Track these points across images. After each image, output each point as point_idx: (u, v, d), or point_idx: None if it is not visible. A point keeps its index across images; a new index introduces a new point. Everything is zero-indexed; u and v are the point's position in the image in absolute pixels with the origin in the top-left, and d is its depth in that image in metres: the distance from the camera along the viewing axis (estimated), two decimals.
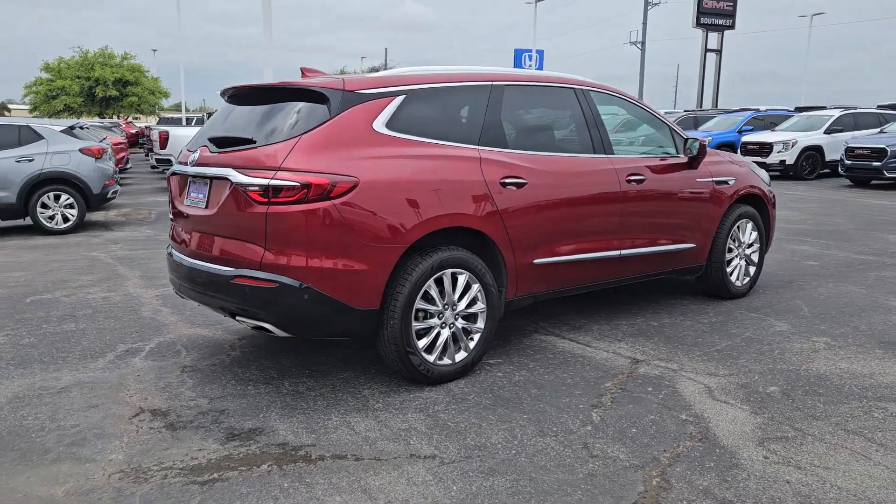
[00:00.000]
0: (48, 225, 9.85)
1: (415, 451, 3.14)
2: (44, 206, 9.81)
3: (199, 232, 3.93)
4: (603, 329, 4.93)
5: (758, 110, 22.71)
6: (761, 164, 18.21)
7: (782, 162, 17.68)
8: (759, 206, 5.92)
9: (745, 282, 5.82)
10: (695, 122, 23.55)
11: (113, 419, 3.53)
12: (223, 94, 4.34)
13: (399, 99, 3.89)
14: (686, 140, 5.27)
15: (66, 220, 9.96)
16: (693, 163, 5.24)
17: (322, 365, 4.28)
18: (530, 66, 44.21)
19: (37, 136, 9.83)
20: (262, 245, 3.52)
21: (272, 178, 3.46)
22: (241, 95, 4.18)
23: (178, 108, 43.06)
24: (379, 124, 3.77)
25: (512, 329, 4.97)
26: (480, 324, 4.07)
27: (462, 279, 3.94)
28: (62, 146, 9.88)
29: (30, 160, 9.65)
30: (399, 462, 3.05)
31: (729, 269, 5.66)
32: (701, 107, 37.82)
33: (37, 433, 3.37)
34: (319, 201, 3.47)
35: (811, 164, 17.83)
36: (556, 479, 2.89)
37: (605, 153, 4.74)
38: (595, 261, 4.65)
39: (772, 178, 18.10)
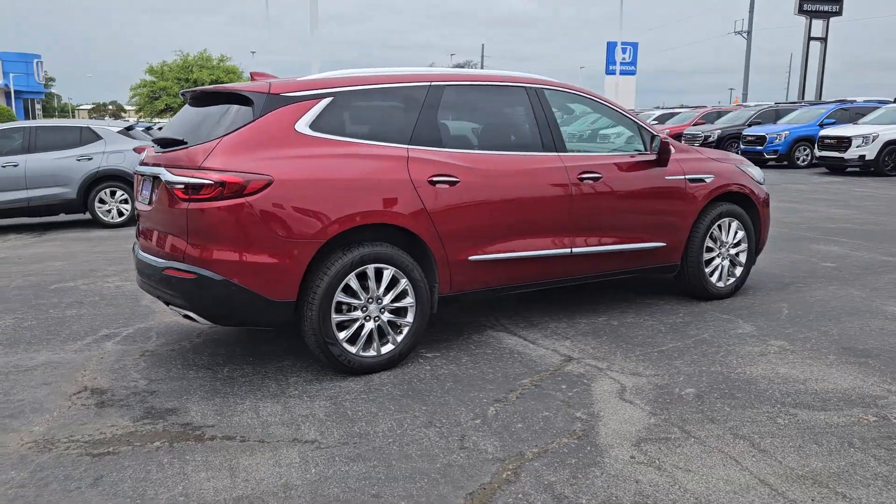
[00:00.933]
0: (104, 219, 10.65)
1: (299, 436, 3.32)
2: (101, 201, 10.61)
3: (146, 227, 4.25)
4: (559, 327, 4.94)
5: (849, 101, 21.46)
6: (837, 161, 17.27)
7: (861, 157, 16.67)
8: (746, 205, 5.73)
9: (728, 283, 5.65)
10: (776, 115, 22.55)
11: (56, 396, 3.89)
12: (183, 96, 4.65)
13: (326, 101, 4.07)
14: (653, 137, 5.19)
15: (120, 214, 10.74)
16: (661, 160, 5.15)
17: (268, 354, 4.52)
18: (624, 58, 43.44)
19: (96, 137, 10.65)
20: (186, 239, 3.79)
21: (191, 177, 3.72)
22: (194, 98, 4.46)
23: None
24: (302, 125, 3.96)
25: (468, 324, 5.06)
26: (409, 318, 4.20)
27: (387, 274, 4.08)
28: (118, 146, 10.65)
29: (89, 159, 10.46)
30: (279, 445, 3.23)
31: (709, 270, 5.52)
32: (803, 98, 36.07)
33: None
34: (234, 198, 3.70)
35: (894, 160, 16.73)
36: (412, 468, 2.99)
37: (557, 151, 4.74)
38: (543, 258, 4.67)
39: (850, 174, 17.23)
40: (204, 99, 4.35)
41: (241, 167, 3.74)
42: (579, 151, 4.96)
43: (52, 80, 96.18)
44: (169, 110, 42.09)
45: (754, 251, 5.79)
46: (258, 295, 3.79)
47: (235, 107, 3.98)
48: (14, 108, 68.67)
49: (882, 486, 2.77)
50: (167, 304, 4.06)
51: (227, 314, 3.87)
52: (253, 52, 72.85)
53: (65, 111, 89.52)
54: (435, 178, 4.20)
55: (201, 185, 3.70)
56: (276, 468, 3.02)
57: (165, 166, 3.90)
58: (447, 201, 4.24)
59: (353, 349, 4.03)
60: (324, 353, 3.96)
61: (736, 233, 5.61)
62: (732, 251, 5.64)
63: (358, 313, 4.04)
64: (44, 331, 5.14)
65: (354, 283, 3.99)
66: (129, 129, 11.27)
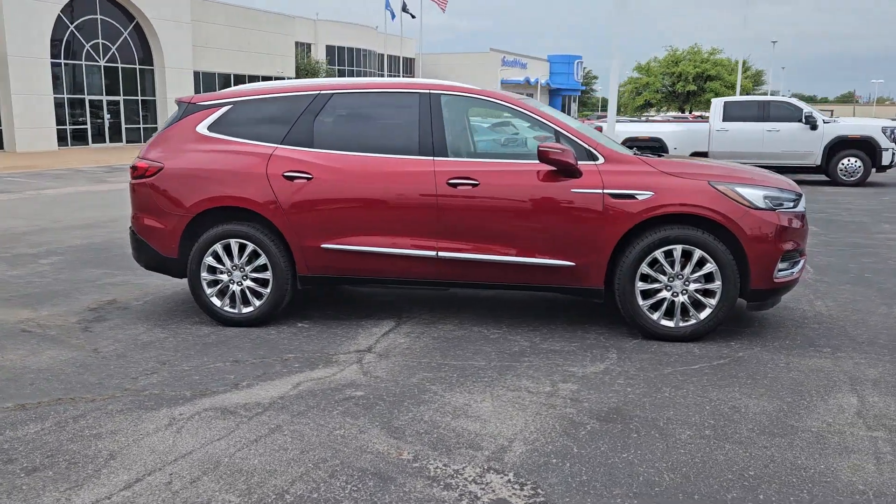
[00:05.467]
0: None
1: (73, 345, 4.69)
2: None
3: None
4: (462, 326, 5.05)
5: None
6: None
7: None
8: (721, 233, 4.62)
9: (684, 324, 4.70)
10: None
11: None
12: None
13: (225, 108, 5.19)
14: (576, 144, 4.73)
15: None
16: (566, 170, 4.67)
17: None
18: None
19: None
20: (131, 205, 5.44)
21: (134, 162, 5.34)
22: (176, 101, 5.97)
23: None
24: (202, 127, 5.18)
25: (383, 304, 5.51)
26: (268, 288, 5.08)
27: (249, 248, 5.05)
28: (527, 135, 12.96)
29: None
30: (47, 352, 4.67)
31: (648, 303, 4.71)
32: None
33: None
34: (142, 178, 5.20)
35: None
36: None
37: (434, 156, 4.86)
38: (405, 257, 4.89)
39: None
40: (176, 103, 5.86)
41: (151, 156, 5.20)
42: (468, 157, 4.92)
43: (595, 78, 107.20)
44: (649, 106, 43.75)
45: (734, 291, 4.63)
46: (154, 249, 5.22)
47: (177, 111, 5.41)
48: (551, 104, 79.57)
49: None
50: None
51: (144, 262, 5.39)
52: (774, 42, 69.11)
53: (596, 106, 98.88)
54: (290, 174, 4.94)
55: (133, 168, 5.29)
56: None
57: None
58: (300, 194, 4.93)
59: (218, 303, 5.13)
60: (198, 301, 5.16)
61: (700, 265, 4.63)
62: (693, 286, 4.66)
63: (224, 276, 5.11)
64: None
65: (220, 251, 5.08)
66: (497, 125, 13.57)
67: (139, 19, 30.52)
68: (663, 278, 4.70)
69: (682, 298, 4.70)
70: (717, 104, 16.67)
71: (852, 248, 8.11)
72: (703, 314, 4.69)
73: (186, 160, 5.12)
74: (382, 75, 55.13)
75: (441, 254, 4.86)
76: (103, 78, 29.86)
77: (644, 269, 4.69)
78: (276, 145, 5.06)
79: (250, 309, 5.12)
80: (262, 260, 5.03)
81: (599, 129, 17.52)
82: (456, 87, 5.05)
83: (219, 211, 5.09)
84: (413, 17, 48.25)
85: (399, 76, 58.70)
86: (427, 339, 4.82)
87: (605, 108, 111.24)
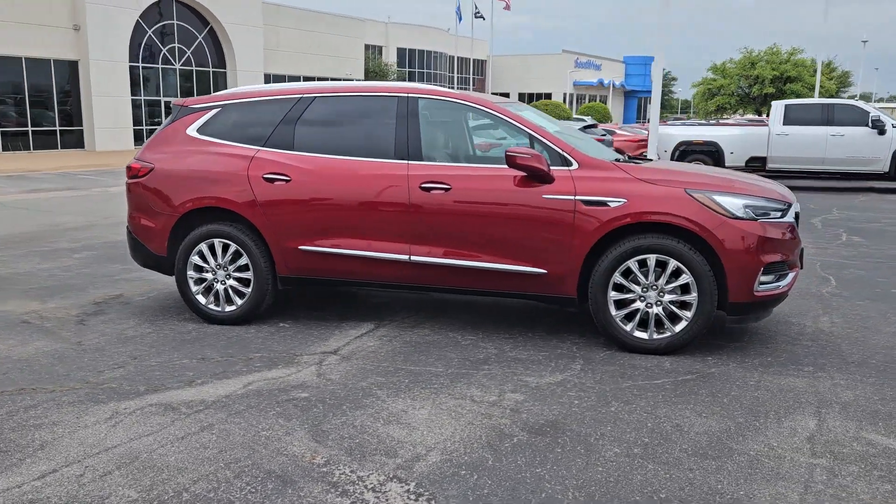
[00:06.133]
0: None
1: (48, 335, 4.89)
2: None
3: None
4: (440, 331, 5.03)
5: None
6: None
7: None
8: (698, 243, 4.42)
9: (658, 336, 4.53)
10: None
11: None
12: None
13: (214, 111, 5.32)
14: (560, 154, 4.64)
15: None
16: (542, 176, 4.57)
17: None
18: None
19: None
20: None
21: (129, 162, 5.54)
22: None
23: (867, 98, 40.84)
24: (192, 129, 5.33)
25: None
26: (250, 287, 5.17)
27: (232, 248, 5.16)
28: None
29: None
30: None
31: (621, 313, 4.57)
32: None
33: None
34: (135, 178, 5.38)
35: None
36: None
37: (409, 159, 4.84)
38: (378, 260, 4.89)
39: None
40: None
41: (144, 157, 5.38)
42: (441, 161, 4.87)
43: (674, 79, 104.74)
44: (721, 110, 42.27)
45: (711, 303, 4.42)
46: (146, 247, 5.40)
47: (172, 113, 5.58)
48: (626, 106, 78.07)
49: None
50: None
51: (140, 261, 5.58)
52: (864, 41, 65.70)
53: (675, 108, 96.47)
54: (270, 176, 5.02)
55: (128, 168, 5.48)
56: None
57: None
58: (279, 196, 5.00)
59: (203, 300, 5.26)
60: (184, 298, 5.31)
61: (674, 276, 4.45)
62: (668, 297, 4.49)
63: (209, 275, 5.24)
64: None
65: (205, 250, 5.21)
66: (589, 126, 13.96)
67: (213, 24, 31.62)
68: (637, 288, 4.54)
69: (656, 310, 4.53)
70: (778, 107, 16.00)
71: (891, 262, 7.63)
72: (679, 327, 4.51)
73: (175, 161, 5.27)
74: (453, 77, 55.41)
75: (413, 258, 4.84)
76: (178, 80, 31.08)
77: (617, 278, 4.54)
78: (259, 148, 5.15)
79: (233, 308, 5.22)
80: (245, 260, 5.14)
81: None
82: (433, 91, 5.02)
83: (204, 211, 5.22)
84: (483, 18, 48.28)
85: (469, 78, 58.87)
86: (398, 342, 4.81)
87: (684, 109, 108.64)
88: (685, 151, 16.32)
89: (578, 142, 5.02)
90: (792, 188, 16.18)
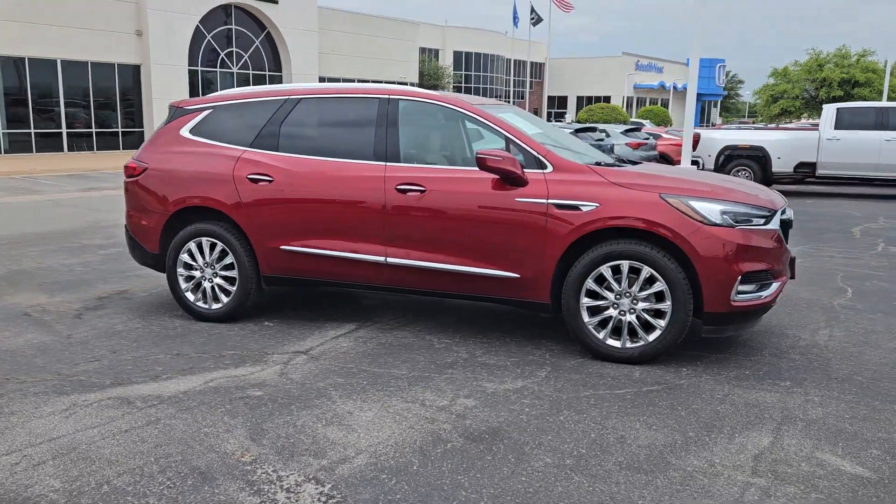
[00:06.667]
0: None
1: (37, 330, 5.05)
2: None
3: None
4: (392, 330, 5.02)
5: None
6: None
7: None
8: (672, 249, 4.28)
9: (631, 345, 4.40)
10: None
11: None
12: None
13: (206, 112, 5.43)
14: (535, 157, 4.57)
15: None
16: (514, 178, 4.50)
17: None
18: None
19: (607, 134, 15.89)
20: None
21: (127, 162, 5.71)
22: None
23: None
24: (185, 130, 5.45)
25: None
26: (235, 285, 5.26)
27: (218, 247, 5.25)
28: (618, 140, 15.51)
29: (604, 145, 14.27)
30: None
31: (594, 320, 4.46)
32: None
33: None
34: (132, 178, 5.54)
35: None
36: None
37: (386, 161, 4.84)
38: (356, 261, 4.90)
39: None
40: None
41: (140, 157, 5.54)
42: (419, 163, 4.85)
43: (740, 82, 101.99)
44: (786, 114, 40.78)
45: (685, 313, 4.27)
46: (141, 245, 5.55)
47: (168, 114, 5.71)
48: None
49: None
50: None
51: (137, 258, 5.73)
52: None
53: (742, 112, 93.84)
54: (254, 176, 5.10)
55: (125, 167, 5.65)
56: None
57: None
58: (262, 196, 5.07)
59: (192, 297, 5.38)
60: (174, 294, 5.44)
61: (649, 283, 4.32)
62: (642, 305, 4.35)
63: (197, 272, 5.35)
64: None
65: (194, 249, 5.32)
66: (632, 129, 14.95)
67: (270, 29, 32.35)
68: (610, 295, 4.42)
69: (629, 318, 4.40)
70: (829, 110, 15.35)
71: None
72: (652, 336, 4.37)
73: (168, 161, 5.40)
74: (509, 80, 55.24)
75: (390, 259, 4.84)
76: (236, 84, 31.88)
77: (590, 284, 4.43)
78: (245, 148, 5.23)
79: (219, 305, 5.32)
80: (230, 259, 5.22)
81: (697, 136, 16.69)
82: (413, 93, 5.01)
83: (193, 210, 5.33)
84: (540, 20, 48.01)
85: (526, 81, 58.58)
86: (373, 344, 4.81)
87: (751, 113, 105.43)
88: (730, 157, 15.83)
89: (572, 143, 4.93)
90: (843, 195, 15.68)
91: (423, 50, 46.39)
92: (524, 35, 51.94)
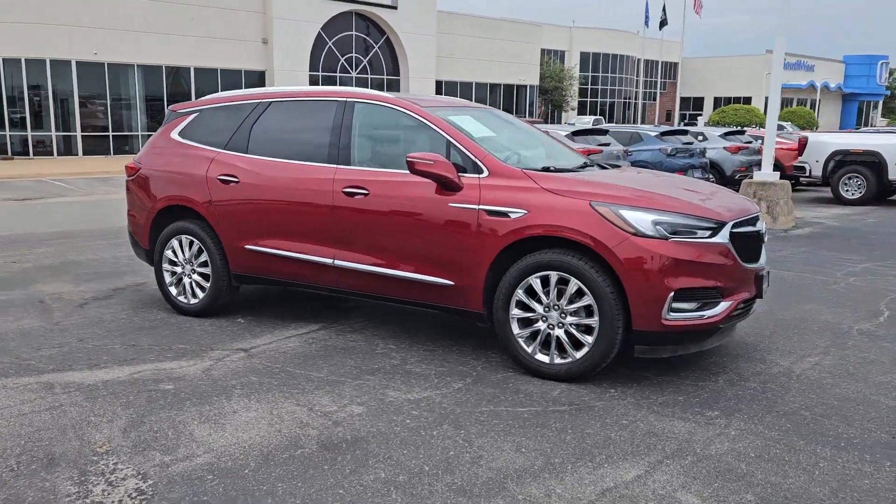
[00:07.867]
0: None
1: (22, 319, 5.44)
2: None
3: None
4: (361, 333, 5.02)
5: None
6: None
7: None
8: (600, 261, 3.97)
9: (561, 361, 4.14)
10: None
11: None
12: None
13: (194, 115, 5.68)
14: (465, 157, 4.43)
15: None
16: (447, 183, 4.36)
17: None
18: None
19: (704, 137, 15.33)
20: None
21: (127, 163, 6.08)
22: None
23: None
24: (175, 133, 5.73)
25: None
26: (210, 282, 5.47)
27: (196, 245, 5.48)
28: (716, 144, 14.98)
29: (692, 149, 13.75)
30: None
31: (525, 333, 4.24)
32: None
33: None
34: (129, 178, 5.90)
35: None
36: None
37: (338, 164, 4.85)
38: (309, 263, 4.94)
39: None
40: None
41: (138, 159, 5.88)
42: (370, 166, 4.80)
43: None
44: None
45: (613, 329, 3.96)
46: (137, 241, 5.90)
47: (165, 117, 6.02)
48: (843, 111, 70.40)
49: None
50: None
51: (135, 252, 6.09)
52: None
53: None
54: (223, 177, 5.27)
55: (126, 168, 6.02)
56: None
57: None
58: (229, 196, 5.24)
59: (174, 291, 5.64)
60: (160, 289, 5.74)
61: (578, 297, 4.05)
62: (570, 319, 4.09)
63: (178, 269, 5.61)
64: None
65: (176, 246, 5.58)
66: (733, 133, 16.40)
67: (389, 34, 33.25)
68: (539, 307, 4.19)
69: (558, 332, 4.15)
70: None
71: None
72: (580, 353, 4.09)
73: (157, 162, 5.70)
74: (639, 81, 53.52)
75: (337, 262, 4.84)
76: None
77: (520, 295, 4.22)
78: (219, 150, 5.42)
79: (196, 301, 5.55)
80: (205, 256, 5.43)
81: (804, 139, 15.39)
82: (368, 95, 4.98)
83: (175, 209, 5.59)
84: (666, 22, 46.30)
85: (658, 81, 56.46)
86: (318, 346, 4.84)
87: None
88: (841, 162, 14.51)
89: (547, 146, 4.71)
90: None
91: (547, 52, 45.91)
92: (656, 34, 50.04)
